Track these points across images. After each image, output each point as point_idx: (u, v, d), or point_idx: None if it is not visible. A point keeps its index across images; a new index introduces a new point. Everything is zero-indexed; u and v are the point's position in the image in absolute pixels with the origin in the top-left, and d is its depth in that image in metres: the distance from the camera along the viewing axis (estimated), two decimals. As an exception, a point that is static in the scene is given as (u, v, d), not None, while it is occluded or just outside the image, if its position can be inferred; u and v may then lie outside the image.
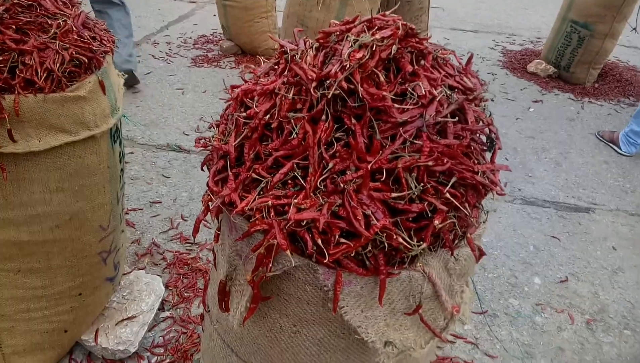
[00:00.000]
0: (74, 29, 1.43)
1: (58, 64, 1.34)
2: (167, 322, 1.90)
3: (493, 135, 0.90)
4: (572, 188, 2.97)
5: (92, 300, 1.70)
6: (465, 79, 0.88)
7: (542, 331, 1.96)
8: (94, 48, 1.45)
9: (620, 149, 3.48)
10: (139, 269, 2.08)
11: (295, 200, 0.76)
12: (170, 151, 3.04)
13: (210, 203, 0.87)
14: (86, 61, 1.40)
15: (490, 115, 0.93)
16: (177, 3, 6.18)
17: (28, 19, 1.34)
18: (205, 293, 1.11)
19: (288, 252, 0.74)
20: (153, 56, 4.44)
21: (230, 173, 0.86)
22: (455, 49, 5.28)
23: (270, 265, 0.77)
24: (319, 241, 0.74)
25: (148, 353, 1.77)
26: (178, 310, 1.96)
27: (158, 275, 2.03)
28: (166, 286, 2.03)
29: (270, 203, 0.78)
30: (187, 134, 3.25)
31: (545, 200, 2.83)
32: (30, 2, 1.36)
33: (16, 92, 1.27)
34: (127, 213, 2.44)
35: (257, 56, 4.44)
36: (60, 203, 1.45)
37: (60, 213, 1.46)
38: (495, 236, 2.46)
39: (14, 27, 1.31)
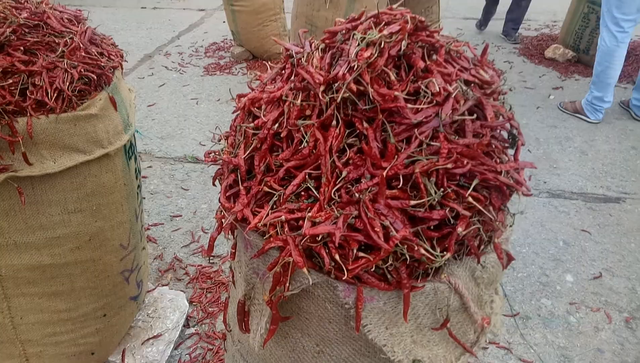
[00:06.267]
0: (81, 46, 1.42)
1: (67, 83, 1.34)
2: (193, 339, 1.88)
3: (515, 130, 0.84)
4: (600, 177, 2.86)
5: (117, 320, 1.69)
6: (481, 71, 0.83)
7: (578, 332, 1.87)
8: (102, 64, 1.44)
9: (589, 118, 3.47)
10: (163, 285, 2.08)
11: (309, 214, 0.72)
12: (187, 163, 3.04)
13: (223, 220, 0.84)
14: (95, 77, 1.39)
15: (510, 109, 0.88)
16: (187, 12, 6.23)
17: (35, 39, 1.34)
18: (226, 312, 1.08)
19: (305, 269, 0.70)
20: (166, 67, 4.47)
21: (241, 188, 0.82)
22: (468, 39, 5.17)
23: (288, 284, 0.73)
24: (337, 257, 0.70)
25: (175, 371, 1.76)
26: (203, 325, 1.94)
27: (182, 291, 2.02)
28: (190, 302, 2.01)
29: (283, 217, 0.74)
30: (203, 145, 3.25)
31: (573, 192, 2.72)
32: (36, 22, 1.36)
33: (28, 114, 1.27)
34: (148, 229, 2.44)
35: (263, 61, 4.44)
36: (80, 223, 1.44)
37: (80, 234, 1.46)
38: (523, 233, 2.37)
39: (22, 48, 1.31)
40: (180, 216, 2.56)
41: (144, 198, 2.65)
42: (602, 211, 2.55)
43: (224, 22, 4.94)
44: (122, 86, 1.58)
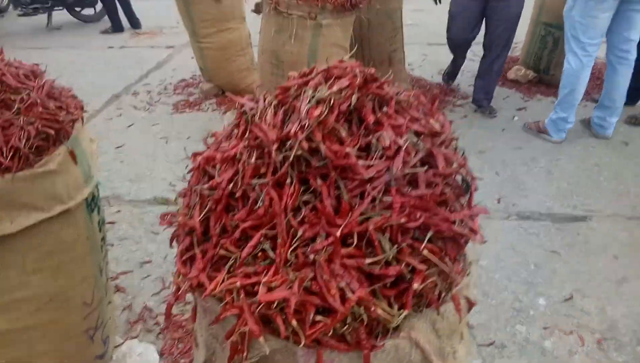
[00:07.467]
0: (38, 101, 1.39)
1: (24, 141, 1.31)
2: (164, 392, 1.81)
3: (468, 177, 0.86)
4: (566, 197, 2.92)
5: (82, 381, 1.61)
6: (431, 121, 0.84)
7: (553, 357, 1.88)
8: (61, 118, 1.41)
9: (552, 137, 3.57)
10: (132, 338, 2.00)
11: (265, 279, 0.71)
12: (157, 206, 2.99)
13: (181, 285, 0.82)
14: (53, 133, 1.36)
15: (463, 154, 0.89)
16: (155, 50, 6.22)
17: (-10, 97, 1.31)
18: (190, 372, 1.04)
19: (261, 339, 0.68)
20: (134, 107, 4.42)
21: (197, 251, 0.81)
22: (433, 64, 5.30)
23: (246, 353, 0.71)
24: (294, 323, 0.68)
25: None
26: (175, 377, 1.87)
27: (152, 343, 1.95)
28: (161, 354, 1.94)
29: (239, 284, 0.72)
30: (173, 185, 3.20)
31: (541, 213, 2.77)
32: (-11, 80, 1.33)
33: (-18, 175, 1.23)
34: (116, 278, 2.36)
35: (231, 96, 4.43)
36: (40, 284, 1.39)
37: (40, 295, 1.40)
38: (495, 258, 2.39)
39: (-25, 108, 1.28)
40: (150, 261, 2.49)
41: (112, 245, 2.57)
42: (570, 231, 2.60)
43: (192, 58, 4.95)
44: (83, 136, 1.55)
